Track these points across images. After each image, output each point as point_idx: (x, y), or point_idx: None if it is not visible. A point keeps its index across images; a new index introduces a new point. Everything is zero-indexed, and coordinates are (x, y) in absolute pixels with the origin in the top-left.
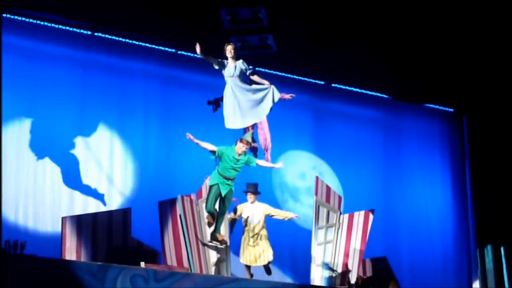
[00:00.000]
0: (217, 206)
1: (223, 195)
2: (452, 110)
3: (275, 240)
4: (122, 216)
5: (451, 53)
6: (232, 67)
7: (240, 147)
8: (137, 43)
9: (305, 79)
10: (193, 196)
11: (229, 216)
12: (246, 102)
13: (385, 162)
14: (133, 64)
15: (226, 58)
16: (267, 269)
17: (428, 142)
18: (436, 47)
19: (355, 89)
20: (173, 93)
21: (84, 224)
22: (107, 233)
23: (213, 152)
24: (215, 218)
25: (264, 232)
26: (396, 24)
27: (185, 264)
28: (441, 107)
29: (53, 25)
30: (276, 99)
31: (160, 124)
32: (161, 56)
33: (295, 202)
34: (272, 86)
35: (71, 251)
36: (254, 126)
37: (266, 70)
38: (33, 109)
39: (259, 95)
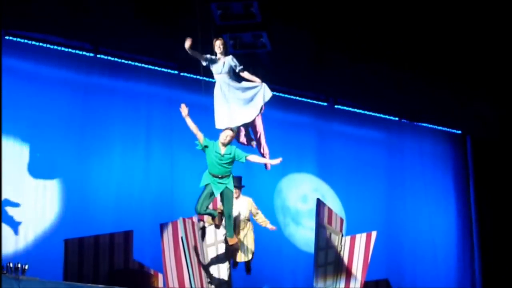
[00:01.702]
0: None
1: (216, 194)
2: (456, 131)
3: (275, 264)
4: (123, 239)
5: (455, 73)
6: (221, 64)
7: (224, 137)
8: (139, 64)
9: (308, 100)
10: (194, 219)
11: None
12: (236, 101)
13: (388, 183)
14: (136, 85)
15: (215, 54)
16: (247, 267)
17: (432, 163)
18: (440, 67)
19: (358, 110)
20: (176, 115)
21: (86, 247)
22: (109, 256)
23: (199, 141)
24: (220, 219)
25: (250, 227)
26: (400, 44)
27: (187, 286)
28: (444, 128)
29: (55, 47)
30: (267, 98)
31: (163, 146)
32: (164, 77)
33: (297, 226)
34: (264, 84)
35: (73, 274)
36: (249, 129)
37: None
38: (33, 132)
39: (250, 93)
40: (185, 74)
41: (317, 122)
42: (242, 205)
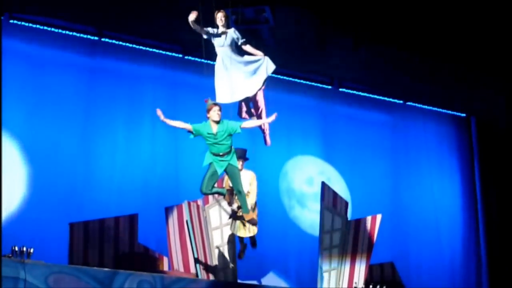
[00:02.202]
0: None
1: (219, 173)
2: (460, 114)
3: (280, 246)
4: (129, 222)
5: (459, 55)
6: (223, 37)
7: (213, 115)
8: (143, 48)
9: (312, 83)
10: (199, 202)
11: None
12: (238, 75)
13: (393, 166)
14: (140, 69)
15: (217, 27)
16: (253, 241)
17: (437, 145)
18: (446, 50)
19: (362, 93)
20: (180, 98)
21: (91, 230)
22: (114, 239)
23: (190, 131)
24: (231, 196)
25: (253, 201)
26: (404, 27)
27: (192, 270)
28: (449, 111)
29: (59, 30)
30: (270, 71)
31: (167, 129)
32: (168, 60)
33: (302, 208)
34: (266, 57)
35: (78, 257)
36: (250, 104)
37: (272, 75)
38: (38, 114)
39: (252, 66)
40: (189, 57)
41: (321, 104)
42: (244, 178)
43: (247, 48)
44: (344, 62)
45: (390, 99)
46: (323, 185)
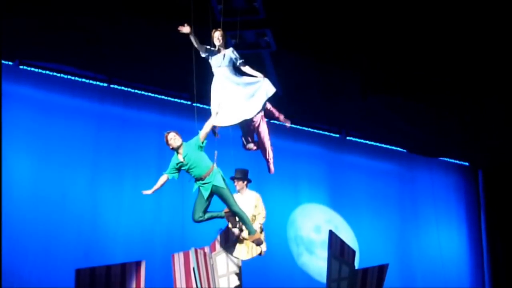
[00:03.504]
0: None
1: (205, 197)
2: (467, 164)
3: None
4: (135, 269)
5: (466, 107)
6: (221, 56)
7: (171, 144)
8: (152, 95)
9: (320, 132)
10: (206, 249)
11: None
12: (236, 97)
13: (400, 215)
14: (148, 115)
15: (215, 47)
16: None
17: (444, 195)
18: (452, 100)
19: (369, 142)
20: None
21: (97, 276)
22: (120, 286)
23: (178, 170)
24: (234, 220)
25: (262, 221)
26: (412, 77)
27: None
28: (456, 161)
29: (68, 76)
30: (269, 94)
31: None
32: (176, 108)
33: (310, 255)
34: (266, 79)
35: None
36: (254, 135)
37: (280, 123)
38: (45, 160)
39: (251, 88)
40: (198, 104)
41: (329, 153)
42: (248, 201)
43: (246, 69)
44: (351, 111)
45: (397, 148)
46: (331, 233)
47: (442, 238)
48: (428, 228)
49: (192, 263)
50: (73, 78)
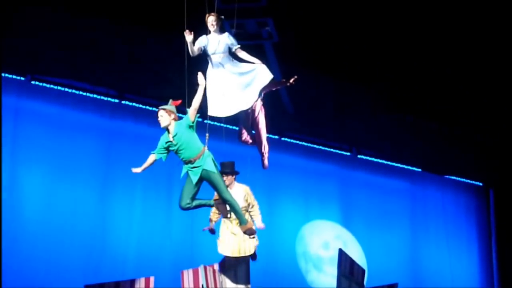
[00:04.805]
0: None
1: (194, 181)
2: (479, 183)
3: None
4: (144, 285)
5: (479, 126)
6: (216, 42)
7: (161, 122)
8: None
9: (331, 149)
10: (216, 266)
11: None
12: (232, 85)
13: (411, 234)
14: (159, 132)
15: (209, 33)
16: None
17: (455, 214)
18: (464, 119)
19: (381, 161)
20: None
21: None
22: None
23: (167, 150)
24: (225, 208)
25: (249, 218)
26: (423, 95)
27: None
28: (468, 180)
29: (80, 92)
30: (266, 81)
31: None
32: None
33: (319, 272)
34: (263, 66)
35: None
36: (251, 127)
37: (291, 140)
38: (56, 176)
39: (247, 77)
40: (209, 122)
41: (340, 171)
42: (237, 195)
43: (243, 55)
44: (362, 129)
45: (409, 167)
46: (340, 252)
47: (453, 258)
48: (438, 247)
49: (201, 280)
50: (84, 94)
